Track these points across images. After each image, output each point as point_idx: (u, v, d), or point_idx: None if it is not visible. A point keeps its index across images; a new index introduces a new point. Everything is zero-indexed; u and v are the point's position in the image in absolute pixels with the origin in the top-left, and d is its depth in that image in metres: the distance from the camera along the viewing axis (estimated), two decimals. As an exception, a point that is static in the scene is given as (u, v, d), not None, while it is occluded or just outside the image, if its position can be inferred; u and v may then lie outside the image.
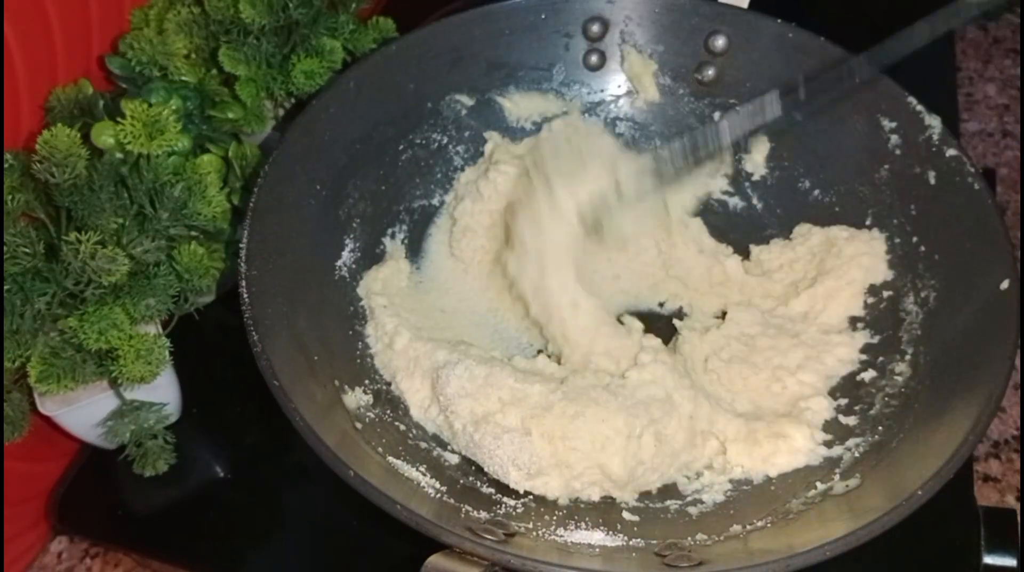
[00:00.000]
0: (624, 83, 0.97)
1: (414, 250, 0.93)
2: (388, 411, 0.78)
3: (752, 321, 0.83)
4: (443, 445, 0.77)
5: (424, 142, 0.94)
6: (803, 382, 0.78)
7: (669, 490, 0.75)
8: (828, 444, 0.74)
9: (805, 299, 0.84)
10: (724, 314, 0.85)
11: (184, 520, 0.84)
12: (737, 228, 0.93)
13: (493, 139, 0.96)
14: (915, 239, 0.80)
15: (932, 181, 0.79)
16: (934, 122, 0.79)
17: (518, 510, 0.71)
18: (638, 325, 0.83)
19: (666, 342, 0.83)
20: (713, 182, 0.95)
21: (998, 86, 1.13)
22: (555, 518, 0.71)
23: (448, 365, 0.76)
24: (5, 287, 0.71)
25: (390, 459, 0.71)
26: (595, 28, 0.93)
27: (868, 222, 0.84)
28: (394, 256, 0.90)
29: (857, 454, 0.71)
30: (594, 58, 0.95)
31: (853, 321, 0.82)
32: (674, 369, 0.78)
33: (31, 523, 0.86)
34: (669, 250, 0.90)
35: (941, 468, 0.59)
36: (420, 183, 0.94)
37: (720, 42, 0.90)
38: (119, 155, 0.76)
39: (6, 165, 0.74)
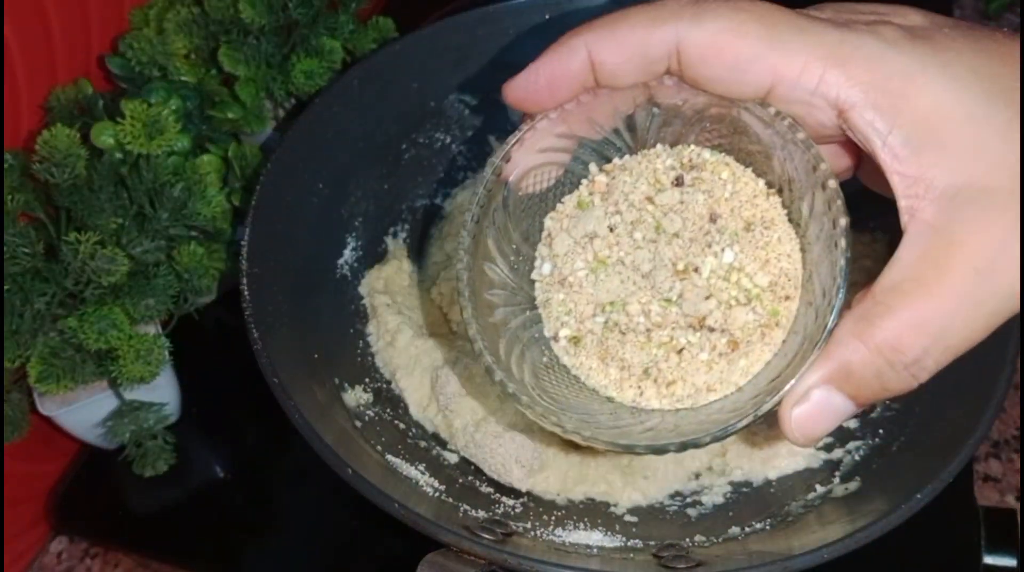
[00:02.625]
0: (627, 83, 0.96)
1: (416, 249, 0.93)
2: (387, 409, 0.78)
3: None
4: (442, 444, 0.77)
5: (427, 141, 0.93)
6: (804, 384, 0.77)
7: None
8: (828, 447, 0.73)
9: (807, 301, 0.83)
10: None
11: (184, 520, 0.84)
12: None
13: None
14: (917, 240, 0.80)
15: (935, 182, 0.79)
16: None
17: (516, 510, 0.71)
18: None
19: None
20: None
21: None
22: (553, 518, 0.71)
23: (447, 365, 0.77)
24: (5, 287, 0.71)
25: (389, 457, 0.71)
26: (598, 28, 0.93)
27: (871, 225, 0.84)
28: (396, 255, 0.90)
29: (857, 457, 0.71)
30: (597, 58, 0.95)
31: (855, 323, 0.82)
32: None
33: (31, 523, 0.87)
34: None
35: (941, 472, 0.59)
36: (423, 182, 0.94)
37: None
38: (119, 155, 0.76)
39: (6, 165, 0.74)
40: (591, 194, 0.57)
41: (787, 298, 0.51)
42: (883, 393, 0.44)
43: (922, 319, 0.42)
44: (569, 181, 0.57)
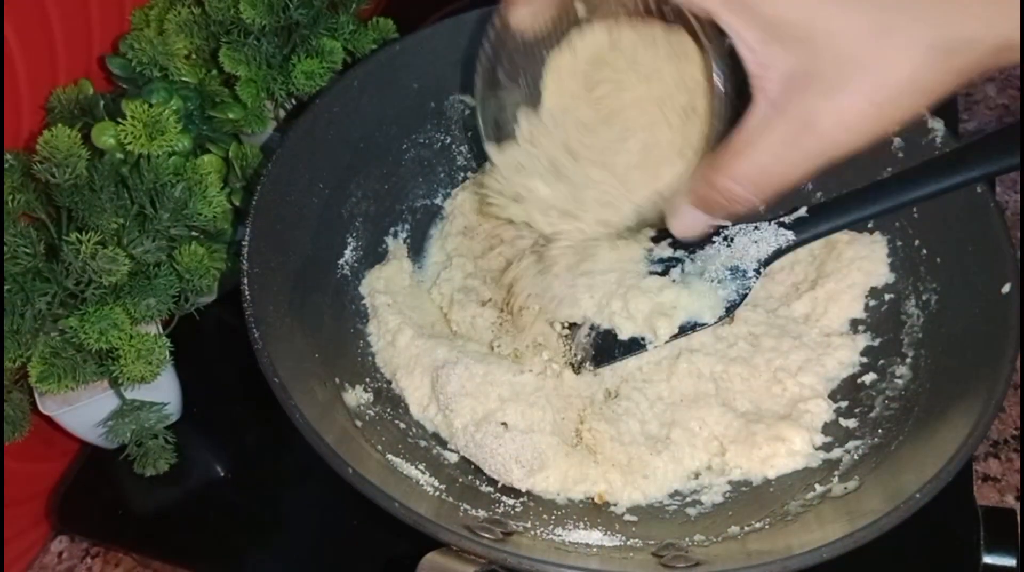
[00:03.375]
0: (627, 83, 0.97)
1: (416, 249, 0.93)
2: (388, 409, 0.78)
3: (759, 321, 0.83)
4: (442, 443, 0.77)
5: (427, 142, 0.94)
6: (803, 384, 0.78)
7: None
8: (827, 446, 0.74)
9: (806, 301, 0.83)
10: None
11: (184, 520, 0.84)
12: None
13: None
14: (917, 242, 0.80)
15: (934, 184, 0.79)
16: (937, 125, 0.79)
17: (516, 509, 0.71)
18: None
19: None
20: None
21: (998, 86, 1.13)
22: (553, 517, 0.71)
23: (447, 364, 0.77)
24: (6, 287, 0.71)
25: (389, 457, 0.71)
26: (599, 29, 0.93)
27: (870, 225, 0.84)
28: (396, 255, 0.90)
29: (856, 457, 0.71)
30: (597, 58, 0.96)
31: (854, 324, 0.82)
32: (688, 372, 0.79)
33: (31, 523, 0.87)
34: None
35: (940, 471, 0.59)
36: (423, 182, 0.95)
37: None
38: (120, 155, 0.76)
39: (7, 165, 0.75)
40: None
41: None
42: (729, 213, 0.61)
43: (745, 171, 0.57)
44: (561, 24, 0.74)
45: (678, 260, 0.80)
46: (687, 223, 0.65)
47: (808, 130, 0.53)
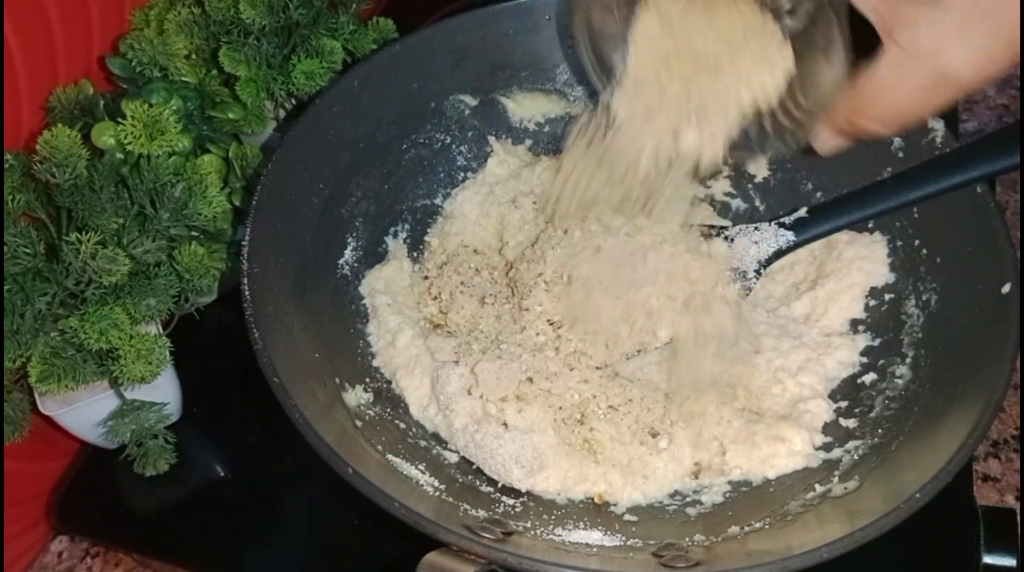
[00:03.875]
0: (627, 82, 0.97)
1: (416, 249, 0.93)
2: (388, 409, 0.78)
3: (759, 321, 0.83)
4: (442, 443, 0.77)
5: (427, 142, 0.94)
6: (803, 384, 0.78)
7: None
8: (827, 446, 0.74)
9: (806, 301, 0.83)
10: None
11: (184, 520, 0.84)
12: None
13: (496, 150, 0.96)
14: (917, 242, 0.80)
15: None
16: (936, 125, 0.79)
17: (516, 509, 0.71)
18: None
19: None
20: (716, 184, 0.95)
21: (998, 86, 1.13)
22: (553, 517, 0.71)
23: (447, 364, 0.77)
24: (6, 287, 0.71)
25: (389, 457, 0.71)
26: (599, 28, 0.93)
27: (870, 225, 0.84)
28: (396, 255, 0.90)
29: (856, 457, 0.71)
30: (597, 58, 0.96)
31: (854, 324, 0.82)
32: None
33: (31, 523, 0.87)
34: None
35: (939, 472, 0.59)
36: (423, 182, 0.94)
37: None
38: (120, 155, 0.76)
39: (7, 165, 0.75)
40: None
41: None
42: (864, 137, 0.66)
43: (884, 115, 0.62)
44: None
45: None
46: (831, 147, 0.69)
47: (943, 76, 0.56)
